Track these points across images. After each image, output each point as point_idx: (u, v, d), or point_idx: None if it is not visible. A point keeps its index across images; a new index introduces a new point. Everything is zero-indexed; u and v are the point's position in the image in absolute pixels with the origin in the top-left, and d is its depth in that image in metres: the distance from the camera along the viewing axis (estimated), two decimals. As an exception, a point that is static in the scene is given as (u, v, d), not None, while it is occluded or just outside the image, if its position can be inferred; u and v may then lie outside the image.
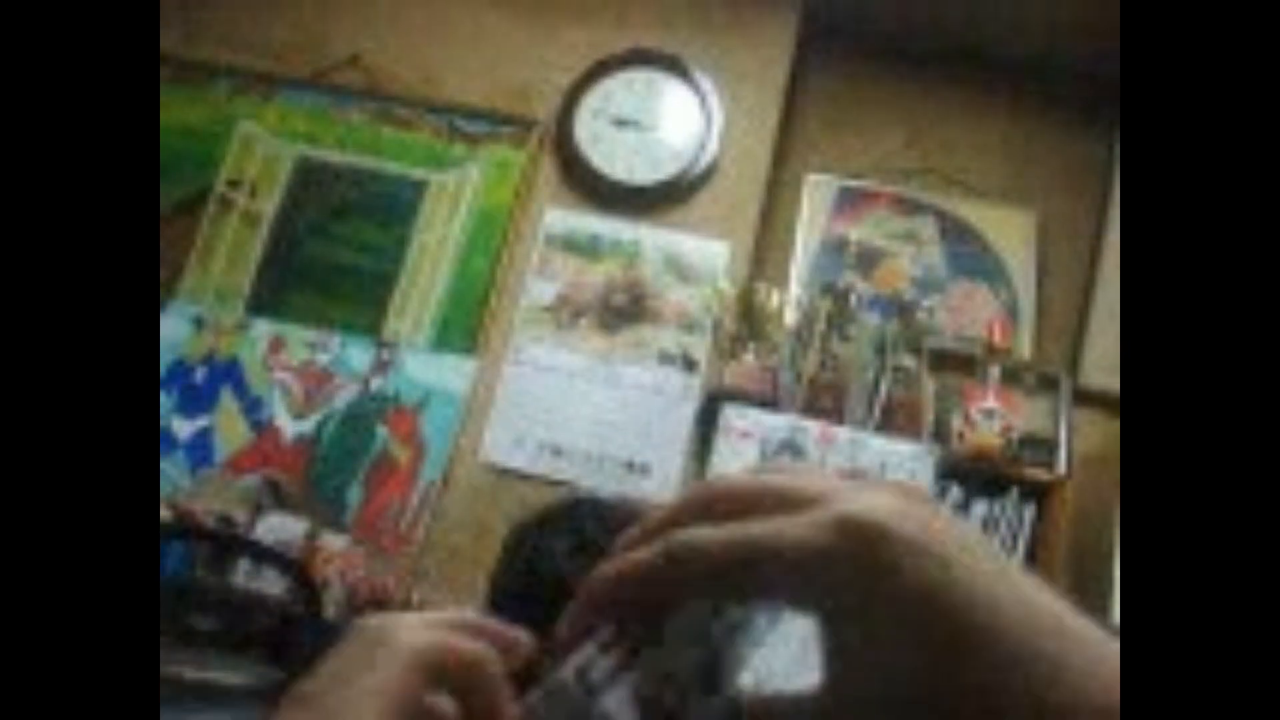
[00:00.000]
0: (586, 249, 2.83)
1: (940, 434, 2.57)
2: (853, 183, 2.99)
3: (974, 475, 2.53)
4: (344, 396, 2.76)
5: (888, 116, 3.07)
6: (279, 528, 2.55)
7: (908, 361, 2.61)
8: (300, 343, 2.80)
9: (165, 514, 2.52)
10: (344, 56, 3.03)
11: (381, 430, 2.72)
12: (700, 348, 2.73)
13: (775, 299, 2.61)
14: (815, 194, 2.98)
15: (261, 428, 2.74)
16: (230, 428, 2.74)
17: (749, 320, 2.58)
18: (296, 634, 2.19)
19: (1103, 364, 2.75)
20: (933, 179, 3.00)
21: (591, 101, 2.90)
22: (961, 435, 2.57)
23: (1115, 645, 0.29)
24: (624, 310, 2.77)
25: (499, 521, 2.45)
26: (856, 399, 2.52)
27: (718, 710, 0.33)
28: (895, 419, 2.53)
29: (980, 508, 2.51)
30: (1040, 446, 2.64)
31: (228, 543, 2.52)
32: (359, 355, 2.79)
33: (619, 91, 2.92)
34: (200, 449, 2.72)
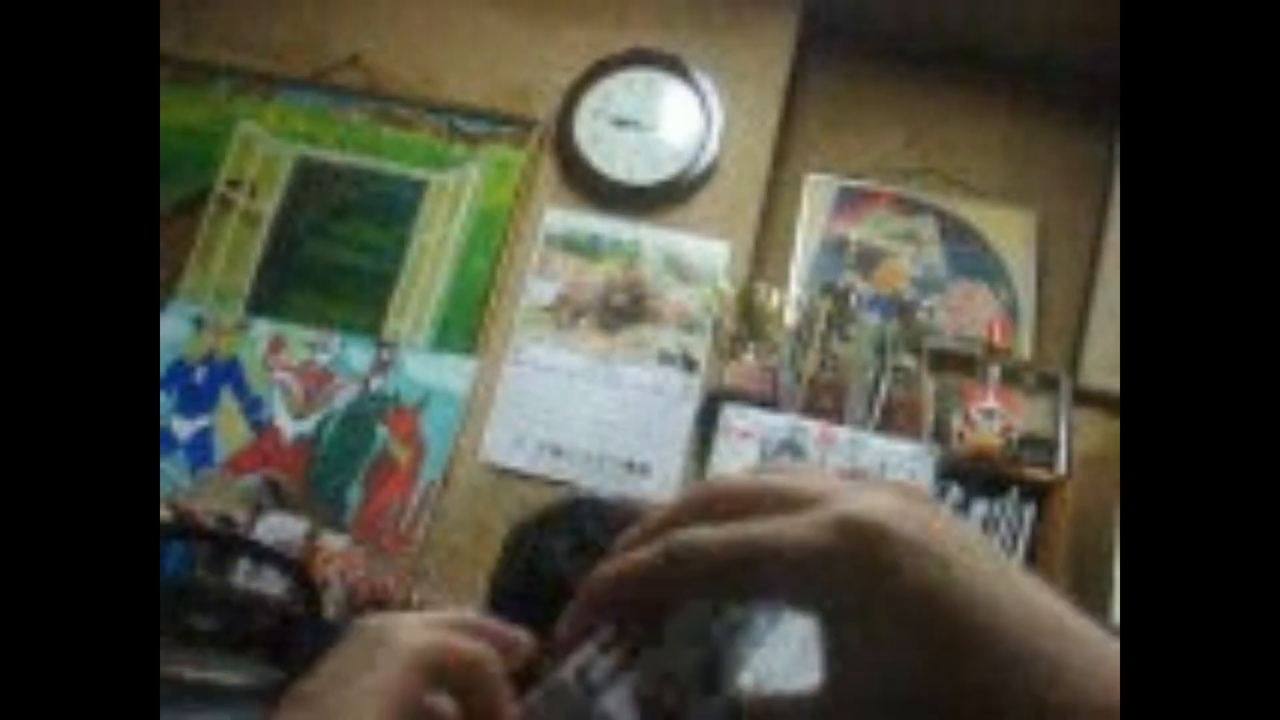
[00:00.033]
0: (586, 249, 2.83)
1: (940, 434, 2.57)
2: (853, 183, 2.99)
3: (974, 475, 2.53)
4: (344, 396, 2.76)
5: (888, 116, 3.07)
6: (279, 528, 2.55)
7: (908, 361, 2.61)
8: (300, 343, 2.80)
9: (165, 514, 2.52)
10: (344, 56, 3.03)
11: (381, 430, 2.72)
12: (700, 348, 2.73)
13: (775, 299, 2.61)
14: (815, 194, 2.98)
15: (261, 428, 2.74)
16: (230, 428, 2.74)
17: (749, 320, 2.58)
18: (296, 634, 2.19)
19: (1103, 364, 2.75)
20: (933, 179, 3.00)
21: (591, 101, 2.90)
22: (961, 435, 2.57)
23: (1115, 645, 0.29)
24: (624, 310, 2.77)
25: (499, 521, 2.45)
26: (856, 399, 2.52)
27: (718, 710, 0.33)
28: (895, 419, 2.53)
29: (980, 508, 2.51)
30: (1040, 446, 2.64)
31: (228, 543, 2.52)
32: (359, 355, 2.79)
33: (619, 91, 2.92)
34: (200, 449, 2.72)
